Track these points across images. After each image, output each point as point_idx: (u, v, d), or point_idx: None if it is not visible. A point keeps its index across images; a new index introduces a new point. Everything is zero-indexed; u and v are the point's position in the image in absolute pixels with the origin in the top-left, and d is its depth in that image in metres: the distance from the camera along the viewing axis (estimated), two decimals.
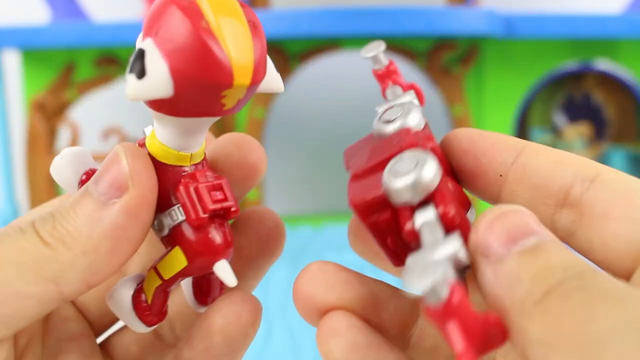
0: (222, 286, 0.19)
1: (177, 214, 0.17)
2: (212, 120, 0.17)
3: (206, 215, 0.17)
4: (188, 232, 0.17)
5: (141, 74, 0.15)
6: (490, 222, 0.14)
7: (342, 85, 0.77)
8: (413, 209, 0.15)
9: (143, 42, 0.15)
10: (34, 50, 0.63)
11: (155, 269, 0.18)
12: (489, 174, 0.17)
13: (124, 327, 0.21)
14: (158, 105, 0.16)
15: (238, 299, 0.18)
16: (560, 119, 0.65)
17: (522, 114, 0.64)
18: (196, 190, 0.17)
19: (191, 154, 0.17)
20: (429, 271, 0.12)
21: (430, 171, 0.14)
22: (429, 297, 0.12)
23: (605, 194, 0.15)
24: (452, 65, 0.61)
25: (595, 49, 0.61)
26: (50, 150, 0.63)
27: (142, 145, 0.18)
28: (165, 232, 0.17)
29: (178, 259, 0.17)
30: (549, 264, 0.13)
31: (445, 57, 0.60)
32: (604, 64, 0.62)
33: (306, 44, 0.61)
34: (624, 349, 0.11)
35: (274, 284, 0.52)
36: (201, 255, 0.17)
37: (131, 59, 0.15)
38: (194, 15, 0.14)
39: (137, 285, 0.18)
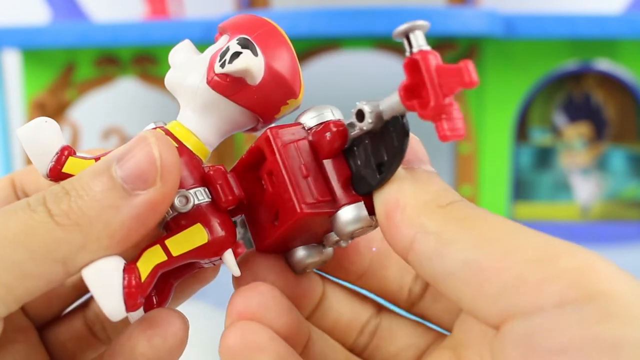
0: (164, 298, 0.19)
1: (204, 195, 0.18)
2: (245, 128, 0.19)
3: (235, 201, 0.18)
4: (213, 212, 0.18)
5: (255, 53, 0.18)
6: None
7: (342, 85, 0.77)
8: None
9: (241, 36, 0.18)
10: (34, 50, 0.63)
11: (162, 243, 0.17)
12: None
13: (60, 324, 0.21)
14: (238, 88, 0.18)
15: (164, 320, 0.17)
16: (560, 119, 0.65)
17: (522, 114, 0.64)
18: (228, 176, 0.18)
19: (209, 153, 0.19)
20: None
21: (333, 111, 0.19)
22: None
23: None
24: None
25: (595, 49, 0.61)
26: None
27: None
28: (189, 208, 0.17)
29: (199, 235, 0.17)
30: (448, 187, 0.16)
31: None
32: (604, 64, 0.62)
33: (306, 44, 0.61)
34: (518, 241, 0.14)
35: None
36: (222, 237, 0.17)
37: (236, 42, 0.18)
38: (284, 36, 0.19)
39: (125, 262, 0.17)
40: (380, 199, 0.16)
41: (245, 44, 0.18)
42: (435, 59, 0.16)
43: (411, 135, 0.17)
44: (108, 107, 0.75)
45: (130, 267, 0.16)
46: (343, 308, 0.20)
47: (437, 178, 0.17)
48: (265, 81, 0.18)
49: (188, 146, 0.18)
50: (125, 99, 0.76)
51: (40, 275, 0.15)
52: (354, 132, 0.17)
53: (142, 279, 0.16)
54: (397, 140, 0.16)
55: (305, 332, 0.18)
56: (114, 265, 0.16)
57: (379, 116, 0.16)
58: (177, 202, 0.17)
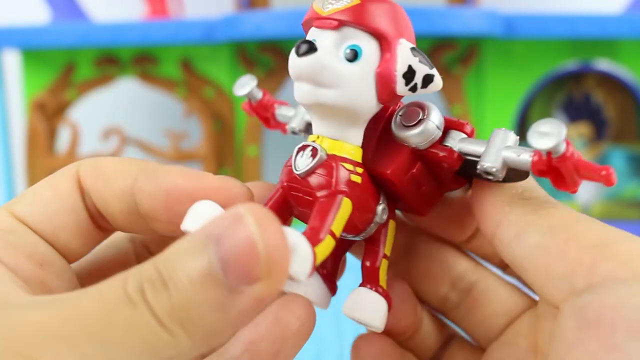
0: None
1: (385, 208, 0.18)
2: None
3: None
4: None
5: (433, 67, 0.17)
6: None
7: None
8: (439, 142, 0.17)
9: (412, 46, 0.16)
10: (34, 50, 0.63)
11: (385, 256, 0.19)
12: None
13: None
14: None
15: (303, 300, 0.17)
16: (560, 119, 0.65)
17: (522, 114, 0.64)
18: None
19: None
20: (552, 133, 0.15)
21: (436, 115, 0.17)
22: (556, 149, 0.15)
23: None
24: (452, 65, 0.61)
25: (595, 49, 0.61)
26: (50, 150, 0.63)
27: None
28: (384, 219, 0.18)
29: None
30: (534, 185, 0.18)
31: (445, 57, 0.60)
32: (604, 64, 0.62)
33: None
34: (581, 229, 0.16)
35: None
36: None
37: (417, 60, 0.16)
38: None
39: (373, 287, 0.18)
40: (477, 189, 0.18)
41: (429, 62, 0.16)
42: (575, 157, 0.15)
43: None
44: (108, 107, 0.75)
45: (377, 288, 0.18)
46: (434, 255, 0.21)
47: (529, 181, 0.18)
48: None
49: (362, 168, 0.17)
50: (125, 99, 0.76)
51: None
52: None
53: (385, 287, 0.19)
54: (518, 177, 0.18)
55: None
56: (378, 296, 0.18)
57: (504, 169, 0.17)
58: (378, 218, 0.18)
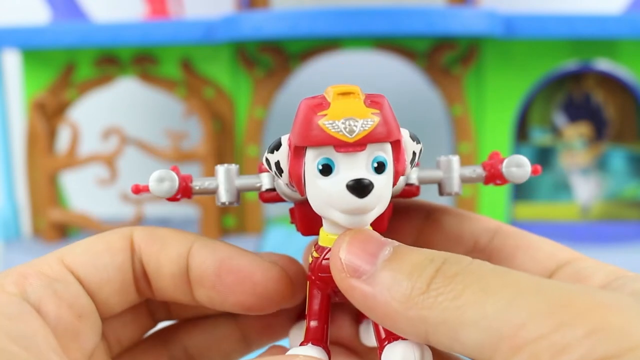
0: None
1: None
2: None
3: None
4: None
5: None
6: (347, 246, 0.16)
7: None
8: None
9: (408, 131, 0.18)
10: (34, 50, 0.63)
11: None
12: (406, 229, 0.21)
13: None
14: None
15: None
16: (560, 119, 0.65)
17: (522, 114, 0.64)
18: None
19: None
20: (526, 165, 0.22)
21: None
22: None
23: (507, 242, 0.19)
24: (452, 65, 0.61)
25: (595, 49, 0.61)
26: (50, 150, 0.63)
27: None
28: None
29: None
30: (416, 261, 0.15)
31: (445, 57, 0.60)
32: (604, 64, 0.62)
33: (306, 44, 0.61)
34: (530, 311, 0.13)
35: None
36: None
37: (414, 141, 0.18)
38: None
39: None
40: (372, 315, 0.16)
41: (417, 137, 0.18)
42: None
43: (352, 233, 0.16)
44: (108, 107, 0.75)
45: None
46: None
47: (402, 255, 0.15)
48: None
49: None
50: (125, 99, 0.76)
51: None
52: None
53: None
54: None
55: None
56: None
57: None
58: None
